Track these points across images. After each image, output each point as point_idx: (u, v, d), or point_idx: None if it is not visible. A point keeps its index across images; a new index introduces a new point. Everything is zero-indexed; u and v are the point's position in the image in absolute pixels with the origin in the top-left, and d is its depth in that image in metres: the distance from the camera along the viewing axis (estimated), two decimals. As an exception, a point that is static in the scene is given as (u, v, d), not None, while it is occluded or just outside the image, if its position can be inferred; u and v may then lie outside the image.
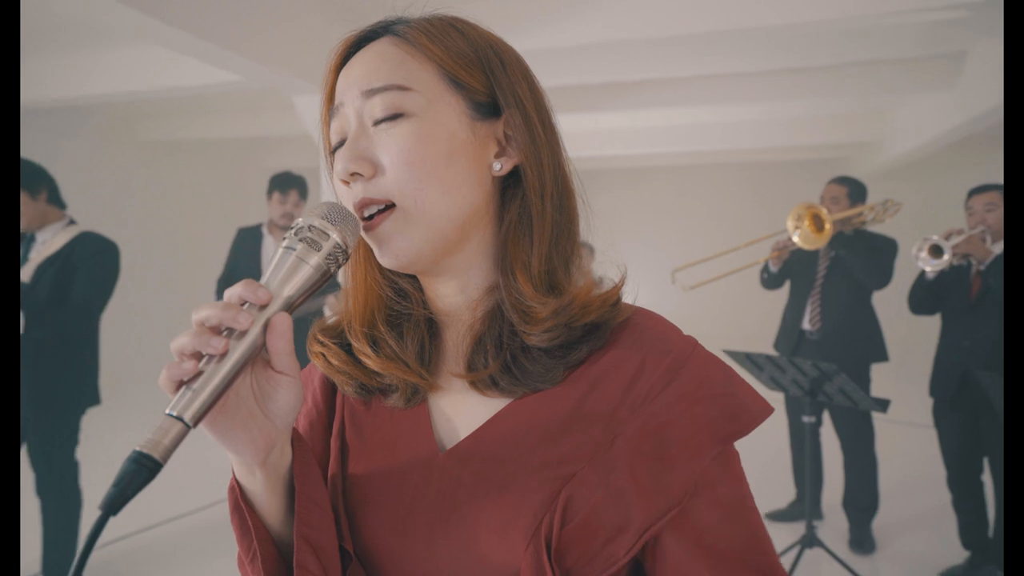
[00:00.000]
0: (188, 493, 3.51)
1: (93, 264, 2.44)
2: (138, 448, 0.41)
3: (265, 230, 3.37)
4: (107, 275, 2.49)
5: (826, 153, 8.51)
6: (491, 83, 0.56)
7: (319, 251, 0.49)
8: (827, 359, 2.75)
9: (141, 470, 0.41)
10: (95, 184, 6.33)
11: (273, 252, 0.40)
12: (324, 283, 0.51)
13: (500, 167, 0.56)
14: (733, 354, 2.53)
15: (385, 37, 0.56)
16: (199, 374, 0.44)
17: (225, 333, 0.46)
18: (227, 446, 0.49)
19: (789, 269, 3.22)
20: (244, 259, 3.33)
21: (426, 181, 0.52)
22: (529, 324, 0.54)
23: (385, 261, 0.55)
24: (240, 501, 0.53)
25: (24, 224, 2.39)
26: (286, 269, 0.49)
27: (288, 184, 3.28)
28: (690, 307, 3.32)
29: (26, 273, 2.38)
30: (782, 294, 3.35)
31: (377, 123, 0.54)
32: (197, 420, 0.44)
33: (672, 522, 0.52)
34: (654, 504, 0.51)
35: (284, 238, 0.50)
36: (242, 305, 0.47)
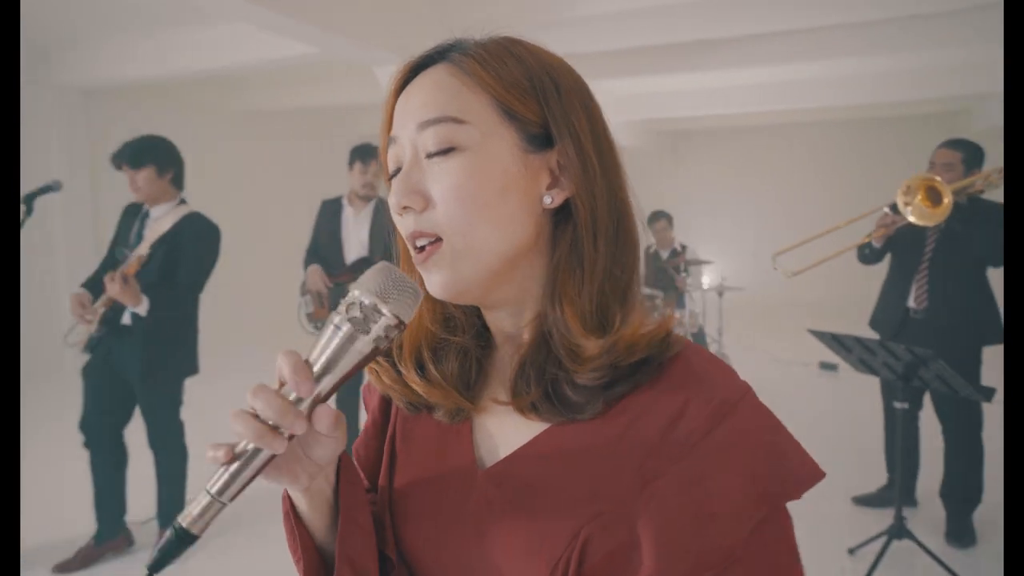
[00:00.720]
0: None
1: (198, 246, 2.62)
2: (179, 522, 0.46)
3: (346, 201, 3.44)
4: (209, 257, 2.67)
5: (938, 107, 7.79)
6: (545, 113, 0.54)
7: (368, 335, 0.48)
8: (934, 339, 2.54)
9: (181, 542, 0.46)
10: (193, 156, 6.69)
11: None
12: (374, 358, 0.50)
13: (551, 200, 0.55)
14: (819, 334, 2.39)
15: (442, 64, 0.55)
16: (239, 456, 0.47)
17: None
18: (270, 481, 0.52)
19: (891, 243, 2.96)
20: (326, 231, 3.44)
21: (476, 217, 0.52)
22: (575, 363, 0.52)
23: (436, 293, 0.55)
24: (289, 512, 0.57)
25: (142, 197, 2.58)
26: (332, 351, 0.48)
27: (369, 155, 3.33)
28: (782, 284, 3.15)
29: (142, 248, 2.57)
30: (879, 269, 3.12)
31: (430, 155, 0.53)
32: (233, 498, 0.48)
33: None
34: (680, 560, 0.48)
35: (337, 313, 0.48)
36: (282, 386, 0.48)
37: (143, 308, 2.46)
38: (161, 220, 2.61)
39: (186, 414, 2.80)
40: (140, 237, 2.62)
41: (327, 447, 0.52)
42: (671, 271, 5.02)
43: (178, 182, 2.65)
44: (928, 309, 2.79)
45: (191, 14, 4.55)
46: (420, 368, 0.60)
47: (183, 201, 2.68)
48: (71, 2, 4.51)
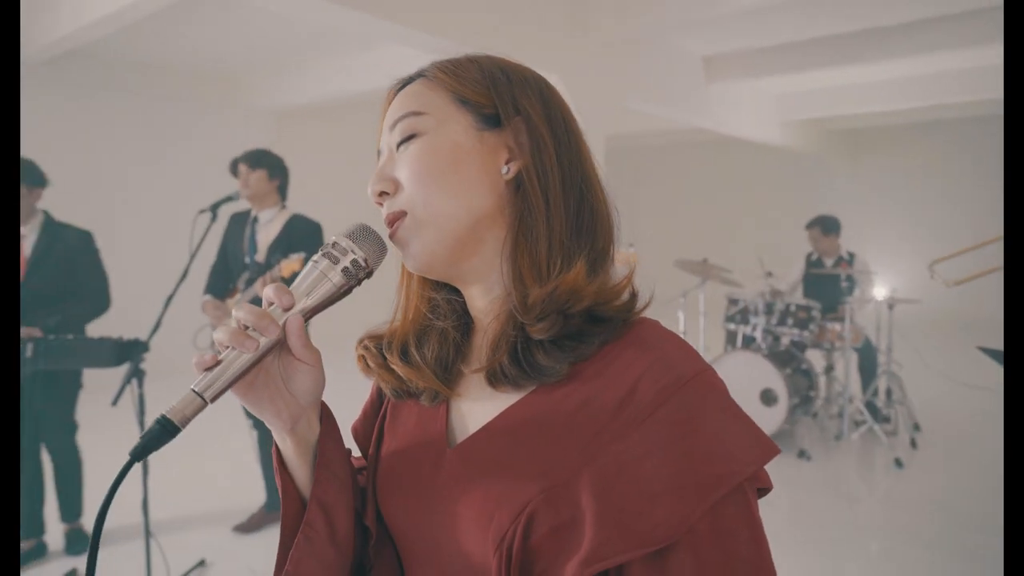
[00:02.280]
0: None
1: (306, 243, 2.85)
2: (164, 413, 0.51)
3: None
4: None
5: None
6: (495, 96, 0.60)
7: (336, 265, 0.56)
8: None
9: (163, 432, 0.50)
10: (362, 169, 7.30)
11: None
12: (345, 294, 0.58)
13: (507, 172, 0.60)
14: (991, 352, 2.10)
15: (416, 80, 0.63)
16: (220, 362, 0.53)
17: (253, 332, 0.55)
18: (258, 414, 0.59)
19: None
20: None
21: (432, 188, 0.58)
22: (525, 314, 0.55)
23: (408, 265, 0.61)
24: (277, 460, 0.63)
25: (249, 194, 2.86)
26: (310, 280, 0.56)
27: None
28: (961, 298, 2.80)
29: (259, 256, 2.85)
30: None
31: (398, 148, 0.60)
32: (214, 397, 0.53)
33: (644, 566, 0.49)
34: (616, 539, 0.48)
35: (317, 252, 0.58)
36: (270, 305, 0.56)
37: None
38: (270, 225, 2.90)
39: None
40: (254, 243, 2.90)
41: (305, 379, 0.58)
42: (835, 279, 4.63)
43: (283, 191, 2.94)
44: None
45: (368, 40, 5.00)
46: (404, 353, 0.65)
47: (285, 207, 2.96)
48: (263, 32, 5.15)
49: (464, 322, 0.66)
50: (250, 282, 2.86)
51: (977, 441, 4.30)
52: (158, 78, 6.12)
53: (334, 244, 0.57)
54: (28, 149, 3.02)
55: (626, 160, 10.90)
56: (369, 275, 0.58)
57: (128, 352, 2.28)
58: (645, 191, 11.25)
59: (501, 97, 0.60)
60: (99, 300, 2.83)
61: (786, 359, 4.24)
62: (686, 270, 4.49)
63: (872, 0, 3.82)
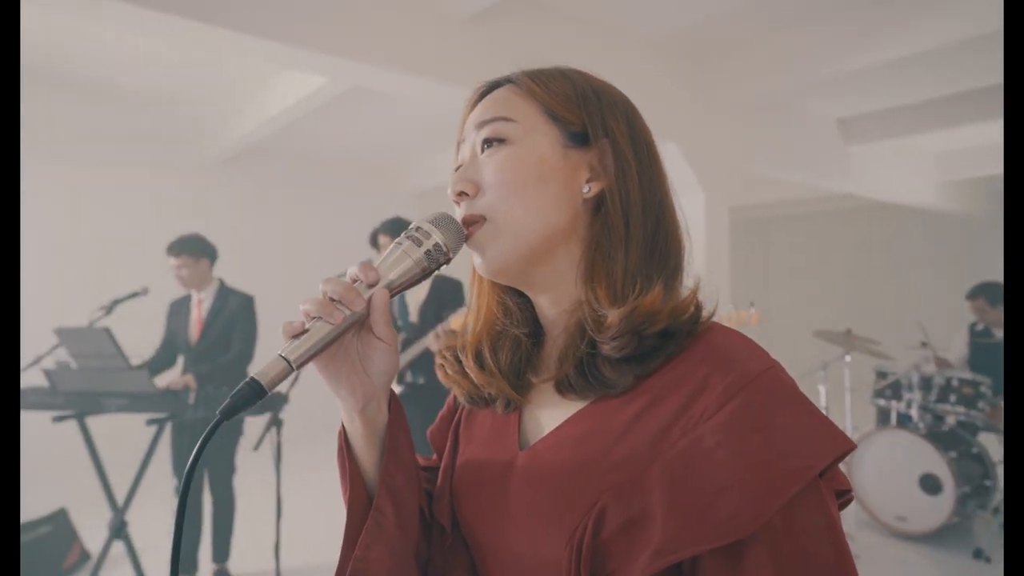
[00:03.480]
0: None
1: (454, 300, 3.01)
2: (252, 375, 0.53)
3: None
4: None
5: None
6: (584, 116, 0.62)
7: (420, 247, 0.59)
8: None
9: (251, 392, 0.52)
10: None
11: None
12: (425, 276, 0.60)
13: (588, 190, 0.62)
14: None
15: (504, 86, 0.66)
16: (306, 330, 0.56)
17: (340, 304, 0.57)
18: (333, 388, 0.61)
19: None
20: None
21: (514, 198, 0.60)
22: (600, 332, 0.57)
23: (480, 269, 0.63)
24: (342, 441, 0.64)
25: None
26: (393, 259, 0.59)
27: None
28: None
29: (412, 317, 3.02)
30: None
31: (483, 150, 0.63)
32: (300, 364, 0.55)
33: (718, 560, 0.48)
34: (687, 531, 0.48)
35: (401, 235, 0.61)
36: (354, 282, 0.59)
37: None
38: (419, 288, 3.08)
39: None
40: (404, 305, 3.09)
41: (382, 359, 0.60)
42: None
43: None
44: None
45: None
46: (478, 358, 0.68)
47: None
48: (403, 125, 5.68)
49: (535, 330, 0.68)
50: (407, 343, 3.04)
51: None
52: (316, 168, 6.92)
53: (418, 228, 0.60)
54: (208, 228, 3.53)
55: (762, 230, 10.51)
56: (448, 261, 0.61)
57: (269, 402, 2.51)
58: (783, 261, 10.72)
59: (591, 117, 0.62)
60: (245, 355, 3.17)
61: (951, 441, 3.74)
62: (827, 340, 4.18)
63: None
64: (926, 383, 3.92)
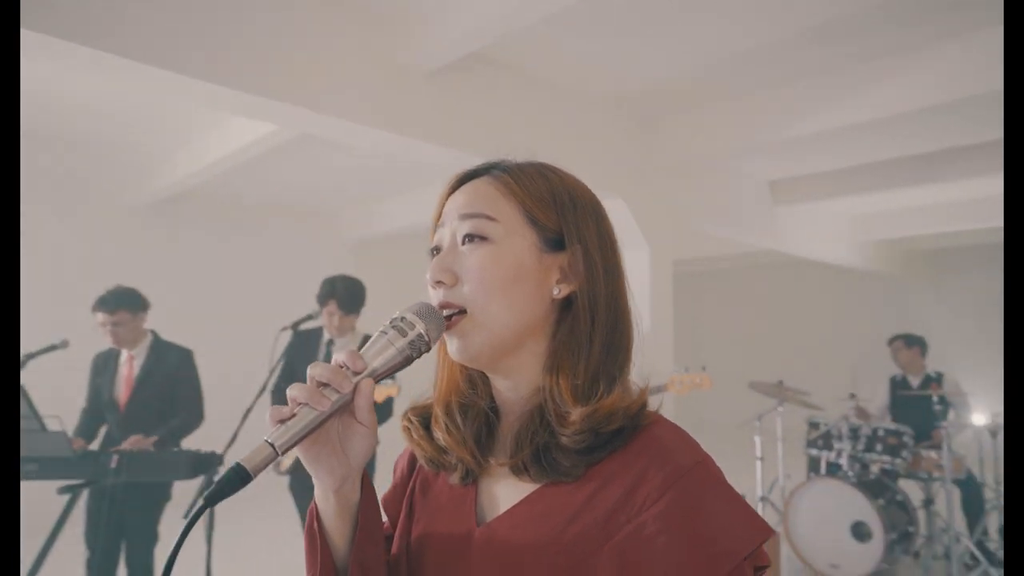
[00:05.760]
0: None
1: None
2: (238, 461, 0.55)
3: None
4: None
5: None
6: (560, 222, 0.67)
7: (404, 337, 0.62)
8: None
9: (235, 477, 0.54)
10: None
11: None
12: (406, 364, 0.64)
13: (558, 292, 0.67)
14: None
15: (486, 176, 0.70)
16: (292, 416, 0.58)
17: (325, 390, 0.60)
18: (312, 469, 0.63)
19: None
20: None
21: (492, 295, 0.64)
22: (563, 426, 0.62)
23: (454, 355, 0.67)
24: (314, 520, 0.66)
25: (339, 333, 3.04)
26: (378, 347, 0.62)
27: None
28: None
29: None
30: None
31: (464, 243, 0.67)
32: (285, 450, 0.57)
33: None
34: None
35: (385, 325, 0.64)
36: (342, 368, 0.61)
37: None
38: (350, 344, 3.04)
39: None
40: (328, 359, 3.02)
41: (362, 442, 0.63)
42: (927, 401, 4.33)
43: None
44: None
45: (436, 171, 5.41)
46: (448, 422, 0.71)
47: (355, 329, 3.13)
48: (346, 173, 5.65)
49: (494, 407, 0.72)
50: None
51: None
52: (251, 215, 6.76)
53: (402, 319, 0.63)
54: (136, 278, 3.35)
55: (696, 283, 10.88)
56: (428, 350, 0.64)
57: (204, 465, 2.37)
58: (715, 313, 11.10)
59: (567, 225, 0.67)
60: (195, 415, 3.00)
61: (878, 489, 3.89)
62: (760, 392, 4.32)
63: (950, 120, 3.84)
64: (854, 433, 4.09)
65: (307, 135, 3.98)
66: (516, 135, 3.55)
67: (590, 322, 0.65)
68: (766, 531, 0.56)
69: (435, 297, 0.67)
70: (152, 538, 2.91)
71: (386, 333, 0.63)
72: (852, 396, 4.44)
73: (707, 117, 4.19)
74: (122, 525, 2.78)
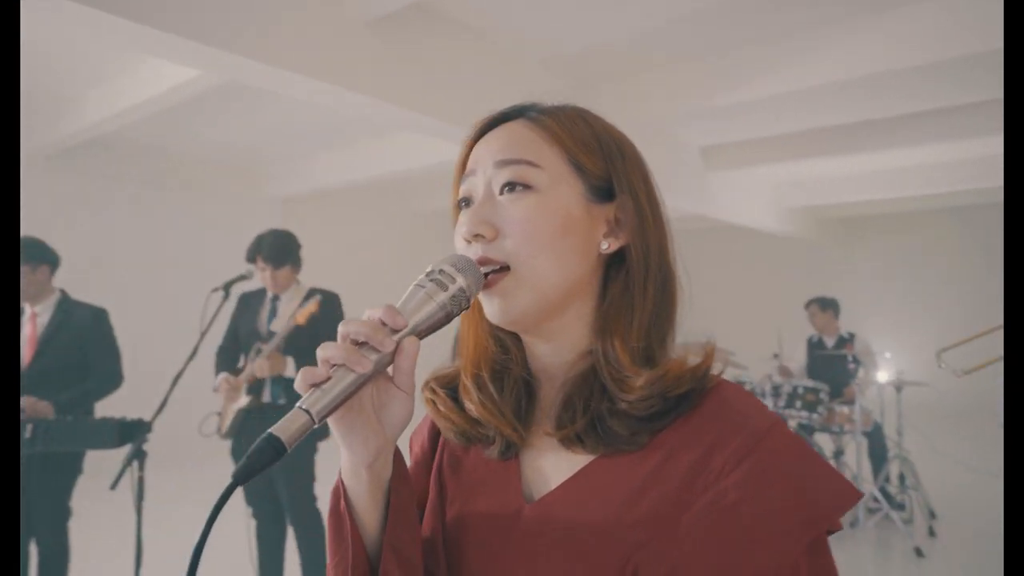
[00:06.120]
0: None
1: (335, 317, 2.79)
2: (270, 430, 0.47)
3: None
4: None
5: None
6: (609, 170, 0.61)
7: (445, 291, 0.55)
8: None
9: (268, 448, 0.47)
10: (371, 251, 7.45)
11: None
12: (446, 322, 0.56)
13: (607, 246, 0.61)
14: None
15: (519, 120, 0.63)
16: (328, 379, 0.51)
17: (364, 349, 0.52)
18: (344, 442, 0.56)
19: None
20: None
21: (540, 250, 0.58)
22: (625, 392, 0.56)
23: (494, 317, 0.60)
24: (342, 500, 0.58)
25: (279, 290, 2.83)
26: (416, 302, 0.55)
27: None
28: (969, 382, 2.78)
29: (279, 331, 2.75)
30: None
31: (503, 192, 0.60)
32: (322, 417, 0.50)
33: None
34: None
35: (421, 279, 0.57)
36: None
37: (291, 369, 2.60)
38: (291, 302, 2.84)
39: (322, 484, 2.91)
40: (273, 320, 2.83)
41: (399, 409, 0.56)
42: (841, 360, 4.61)
43: (299, 269, 2.90)
44: None
45: (371, 127, 5.22)
46: (479, 388, 0.64)
47: (299, 282, 2.91)
48: (274, 126, 5.38)
49: (530, 373, 0.65)
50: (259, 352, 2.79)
51: (996, 529, 4.15)
52: (173, 167, 6.35)
53: (440, 271, 0.56)
54: (43, 231, 3.09)
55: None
56: (467, 307, 0.57)
57: (130, 433, 2.24)
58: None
59: (616, 173, 0.61)
60: (111, 377, 2.81)
61: (796, 443, 4.15)
62: (690, 352, 4.47)
63: (870, 94, 4.00)
64: (776, 391, 4.33)
65: (236, 84, 3.75)
66: (454, 90, 3.47)
67: (643, 279, 0.60)
68: (854, 494, 0.52)
69: (469, 252, 0.60)
70: (63, 513, 2.74)
71: (423, 287, 0.55)
72: (775, 356, 4.68)
73: (643, 83, 4.21)
74: (30, 499, 2.60)
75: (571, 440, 0.58)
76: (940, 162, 6.43)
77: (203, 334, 2.42)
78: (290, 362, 2.71)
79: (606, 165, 0.61)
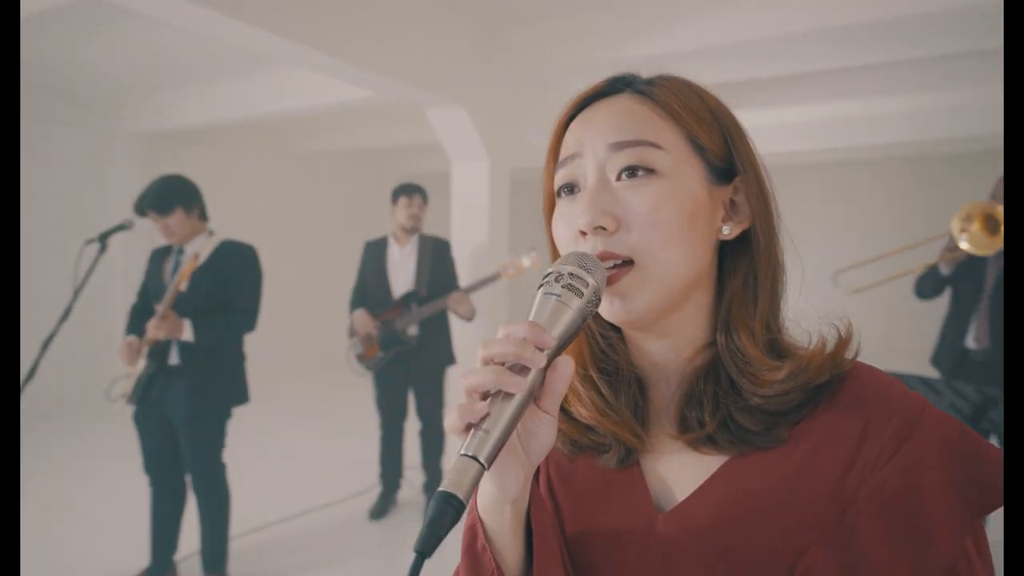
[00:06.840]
0: (320, 488, 3.76)
1: (240, 268, 2.60)
2: (443, 488, 0.43)
3: (392, 239, 3.51)
4: (253, 274, 2.63)
5: (996, 143, 7.56)
6: (729, 148, 0.56)
7: (581, 297, 0.49)
8: (995, 382, 2.43)
9: (448, 509, 0.42)
10: (247, 195, 6.97)
11: (534, 297, 0.44)
12: (582, 328, 0.51)
13: (729, 231, 0.56)
14: (882, 374, 2.32)
15: (626, 93, 0.57)
16: (487, 415, 0.45)
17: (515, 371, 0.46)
18: (497, 480, 0.50)
19: (950, 278, 2.87)
20: (372, 270, 3.48)
21: (667, 242, 0.52)
22: (759, 386, 0.52)
23: (614, 317, 0.55)
24: (484, 541, 0.52)
25: (177, 240, 2.57)
26: (550, 313, 0.49)
27: (412, 190, 3.48)
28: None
29: (180, 285, 2.50)
30: (940, 306, 3.01)
31: (620, 178, 0.54)
32: (491, 460, 0.45)
33: None
34: (917, 565, 0.47)
35: (540, 285, 0.51)
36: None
37: (188, 333, 2.42)
38: (198, 254, 2.59)
39: (233, 448, 2.75)
40: (176, 275, 2.56)
41: (546, 434, 0.50)
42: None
43: (204, 215, 2.63)
44: (989, 349, 2.67)
45: (251, 62, 4.79)
46: (591, 389, 0.59)
47: (211, 232, 2.66)
48: (139, 55, 4.80)
49: (637, 371, 0.61)
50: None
51: (996, 528, 4.61)
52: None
53: (570, 275, 0.50)
54: None
55: (533, 193, 11.13)
56: (599, 305, 0.52)
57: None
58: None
59: (738, 151, 0.56)
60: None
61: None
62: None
63: (784, 50, 4.10)
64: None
65: (81, 4, 3.27)
66: (353, 29, 3.23)
67: (769, 266, 0.55)
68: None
69: (586, 246, 0.54)
70: None
71: (552, 295, 0.49)
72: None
73: (546, 32, 4.14)
74: None
75: (701, 441, 0.54)
76: (846, 117, 6.81)
77: (77, 291, 2.17)
78: (187, 325, 2.47)
79: (725, 142, 0.56)
